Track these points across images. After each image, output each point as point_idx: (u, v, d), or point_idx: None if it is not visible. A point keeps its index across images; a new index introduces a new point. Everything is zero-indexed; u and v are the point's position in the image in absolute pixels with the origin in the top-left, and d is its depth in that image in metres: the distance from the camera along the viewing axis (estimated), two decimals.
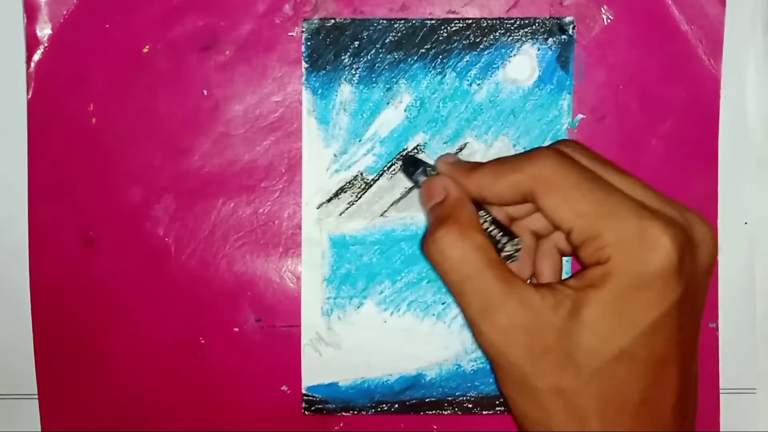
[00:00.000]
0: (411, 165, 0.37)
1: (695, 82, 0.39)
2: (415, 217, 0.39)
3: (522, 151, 0.39)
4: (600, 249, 0.30)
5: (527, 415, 0.32)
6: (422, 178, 0.36)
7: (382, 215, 0.40)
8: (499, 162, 0.33)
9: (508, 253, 0.33)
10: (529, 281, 0.36)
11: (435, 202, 0.34)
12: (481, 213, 0.34)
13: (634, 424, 0.30)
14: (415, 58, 0.39)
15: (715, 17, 0.39)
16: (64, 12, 0.39)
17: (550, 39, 0.39)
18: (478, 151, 0.39)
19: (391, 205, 0.39)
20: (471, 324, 0.32)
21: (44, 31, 0.39)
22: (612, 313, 0.29)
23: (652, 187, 0.32)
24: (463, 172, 0.34)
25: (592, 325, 0.30)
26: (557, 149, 0.33)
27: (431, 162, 0.37)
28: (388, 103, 0.39)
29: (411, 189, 0.39)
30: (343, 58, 0.39)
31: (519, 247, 0.33)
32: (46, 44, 0.39)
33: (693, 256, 0.30)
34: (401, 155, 0.39)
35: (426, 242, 0.32)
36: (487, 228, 0.33)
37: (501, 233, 0.33)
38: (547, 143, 0.39)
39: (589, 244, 0.30)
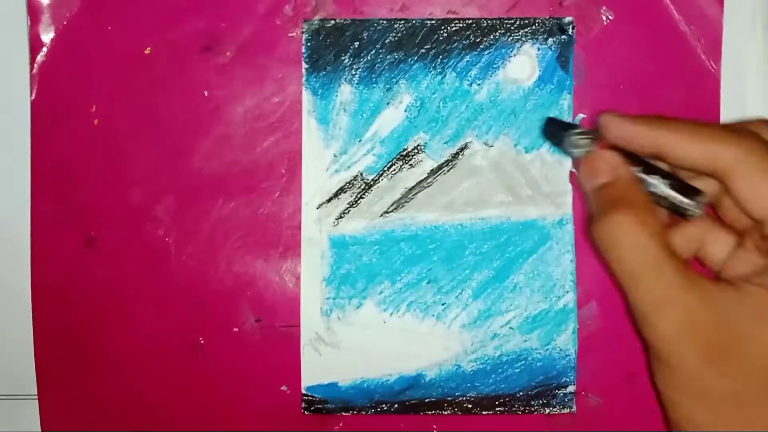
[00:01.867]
0: (559, 128, 0.34)
1: (695, 82, 0.39)
2: (415, 217, 0.39)
3: (523, 151, 0.39)
4: None
5: (692, 419, 0.29)
6: (578, 149, 0.33)
7: (381, 215, 0.39)
8: (695, 126, 0.30)
9: (694, 213, 0.31)
10: None
11: (601, 182, 0.32)
12: (653, 178, 0.31)
13: None
14: (416, 58, 0.39)
15: (714, 17, 0.39)
16: (67, 14, 0.40)
17: (550, 39, 0.39)
18: (478, 151, 0.39)
19: (391, 205, 0.39)
20: (642, 317, 0.29)
21: (47, 33, 0.40)
22: None
23: None
24: (645, 123, 0.31)
25: None
26: (757, 132, 0.30)
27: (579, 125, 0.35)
28: (388, 104, 0.39)
29: (411, 189, 0.39)
30: (343, 58, 0.39)
31: (702, 203, 0.31)
32: (49, 46, 0.40)
33: None
34: (548, 119, 0.36)
35: (596, 227, 0.30)
36: (661, 192, 0.31)
37: (680, 195, 0.31)
38: (547, 143, 0.39)
39: None
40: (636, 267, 0.29)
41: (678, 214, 0.32)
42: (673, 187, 0.31)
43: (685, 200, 0.31)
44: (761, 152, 0.29)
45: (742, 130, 0.30)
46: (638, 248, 0.29)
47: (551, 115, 0.38)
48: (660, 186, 0.31)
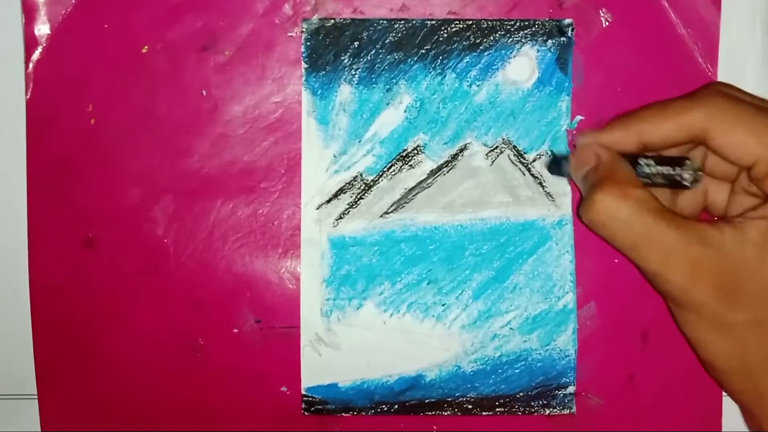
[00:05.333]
0: (555, 162, 0.38)
1: (692, 85, 0.39)
2: (415, 218, 0.39)
3: (523, 152, 0.39)
4: None
5: (720, 352, 0.32)
6: (568, 165, 0.36)
7: (381, 216, 0.40)
8: (661, 106, 0.33)
9: (689, 179, 0.33)
10: None
11: (586, 169, 0.34)
12: (641, 160, 0.33)
13: None
14: (415, 58, 0.39)
15: (711, 21, 0.39)
16: (63, 12, 0.39)
17: (550, 41, 0.39)
18: (478, 152, 0.39)
19: (391, 205, 0.39)
20: (654, 277, 0.32)
21: (43, 31, 0.39)
22: None
23: None
24: (619, 125, 0.34)
25: None
26: (718, 88, 0.33)
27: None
28: (387, 104, 0.39)
29: (411, 189, 0.39)
30: (342, 58, 0.39)
31: (696, 167, 0.33)
32: (44, 44, 0.39)
33: None
34: (548, 156, 0.39)
35: (585, 208, 0.32)
36: (653, 171, 0.33)
37: (671, 168, 0.33)
38: (546, 144, 0.39)
39: None
40: (632, 236, 0.31)
41: (676, 186, 0.33)
42: (661, 163, 0.33)
43: (676, 169, 0.33)
44: (725, 106, 0.31)
45: (706, 91, 0.33)
46: (629, 219, 0.31)
47: (551, 151, 0.39)
48: (651, 166, 0.33)
